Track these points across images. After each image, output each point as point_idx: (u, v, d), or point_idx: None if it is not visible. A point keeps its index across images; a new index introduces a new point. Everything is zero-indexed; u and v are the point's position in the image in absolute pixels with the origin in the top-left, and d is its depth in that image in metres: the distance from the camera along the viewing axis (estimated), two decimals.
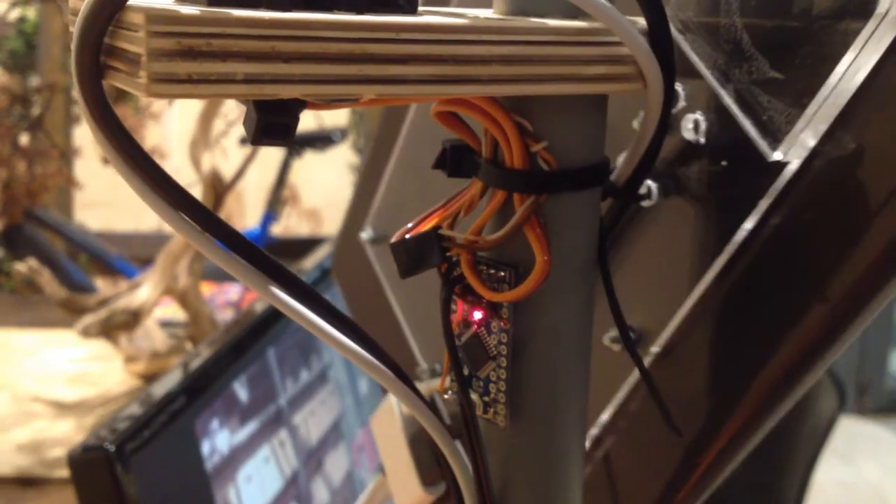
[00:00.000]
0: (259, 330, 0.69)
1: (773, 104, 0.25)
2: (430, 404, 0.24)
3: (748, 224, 0.26)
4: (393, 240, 0.24)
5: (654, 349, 0.28)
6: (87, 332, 1.08)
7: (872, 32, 0.23)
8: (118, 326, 1.07)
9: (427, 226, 0.24)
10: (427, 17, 0.20)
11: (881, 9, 0.22)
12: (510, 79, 0.20)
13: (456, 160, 0.24)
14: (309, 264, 0.87)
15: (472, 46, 0.20)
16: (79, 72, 0.19)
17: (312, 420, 0.76)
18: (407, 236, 0.24)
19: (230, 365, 0.65)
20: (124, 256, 1.51)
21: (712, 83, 0.26)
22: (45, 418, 1.09)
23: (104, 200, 1.37)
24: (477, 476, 0.24)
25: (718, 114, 0.26)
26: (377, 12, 0.20)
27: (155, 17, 0.17)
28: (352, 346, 0.23)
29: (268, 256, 0.22)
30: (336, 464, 0.79)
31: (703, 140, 0.27)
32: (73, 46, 0.19)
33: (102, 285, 1.55)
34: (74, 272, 1.43)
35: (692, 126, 0.27)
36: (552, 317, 0.24)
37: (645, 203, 0.28)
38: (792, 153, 0.25)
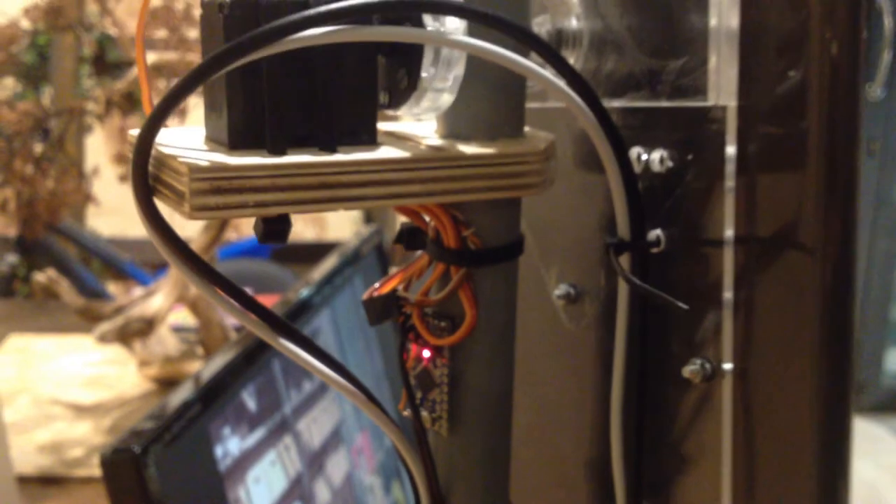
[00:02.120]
0: (265, 344, 0.77)
1: (686, 75, 0.34)
2: (394, 418, 0.34)
3: (730, 231, 0.33)
4: (364, 297, 0.34)
5: (727, 366, 0.34)
6: (104, 339, 1.18)
7: None
8: (134, 333, 1.17)
9: (389, 287, 0.34)
10: (381, 150, 0.30)
11: None
12: (441, 192, 0.30)
13: (410, 238, 0.34)
14: (317, 275, 0.95)
15: (412, 172, 0.30)
16: (136, 191, 0.29)
17: (315, 426, 0.84)
18: (374, 295, 0.34)
19: (239, 376, 0.74)
20: (136, 262, 1.62)
21: (652, 104, 0.35)
22: (64, 420, 1.19)
23: (115, 208, 1.47)
24: (427, 472, 0.34)
25: (666, 130, 0.35)
26: (347, 145, 0.30)
27: (194, 168, 0.27)
28: (333, 376, 0.32)
29: (273, 314, 0.31)
30: (337, 466, 0.87)
31: (671, 163, 0.35)
32: (130, 173, 0.29)
33: (115, 290, 1.66)
34: (88, 278, 1.54)
35: (659, 162, 0.35)
36: (480, 355, 0.34)
37: (654, 250, 0.35)
38: (722, 98, 0.33)
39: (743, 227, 0.33)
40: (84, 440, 1.15)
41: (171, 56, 1.14)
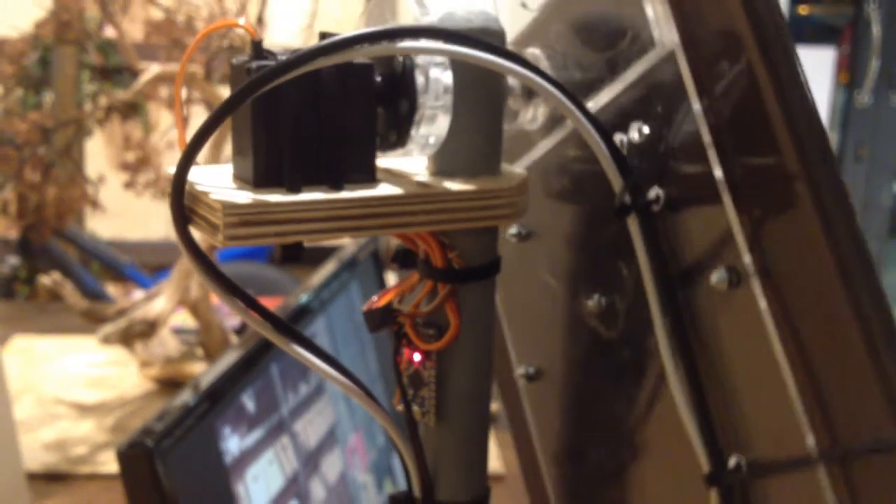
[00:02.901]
0: (264, 349, 0.84)
1: (634, 40, 0.40)
2: (392, 413, 0.41)
3: (718, 171, 0.38)
4: (364, 309, 0.41)
5: (755, 283, 0.37)
6: (107, 340, 1.25)
7: None
8: (136, 335, 1.24)
9: (385, 301, 0.41)
10: (380, 188, 0.37)
11: None
12: (429, 222, 0.37)
13: (404, 259, 0.41)
14: (316, 280, 1.02)
15: (404, 206, 0.37)
16: (175, 220, 0.35)
17: (311, 427, 0.90)
18: (373, 307, 0.41)
19: (239, 380, 0.80)
20: (135, 264, 1.69)
21: (616, 88, 0.42)
22: (67, 419, 1.26)
23: (114, 211, 1.54)
24: (417, 458, 0.41)
25: (634, 103, 0.41)
26: (351, 182, 0.37)
27: (228, 205, 0.34)
28: (338, 377, 0.39)
29: (287, 323, 0.38)
30: (331, 465, 0.93)
31: (647, 129, 0.41)
32: (170, 207, 0.36)
33: (114, 292, 1.72)
34: (88, 280, 1.60)
35: (638, 134, 0.41)
36: (462, 359, 0.40)
37: (655, 208, 0.40)
38: (665, 37, 0.39)
39: (727, 162, 0.38)
40: (87, 438, 1.21)
41: (173, 67, 1.21)
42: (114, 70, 1.59)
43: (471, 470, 0.42)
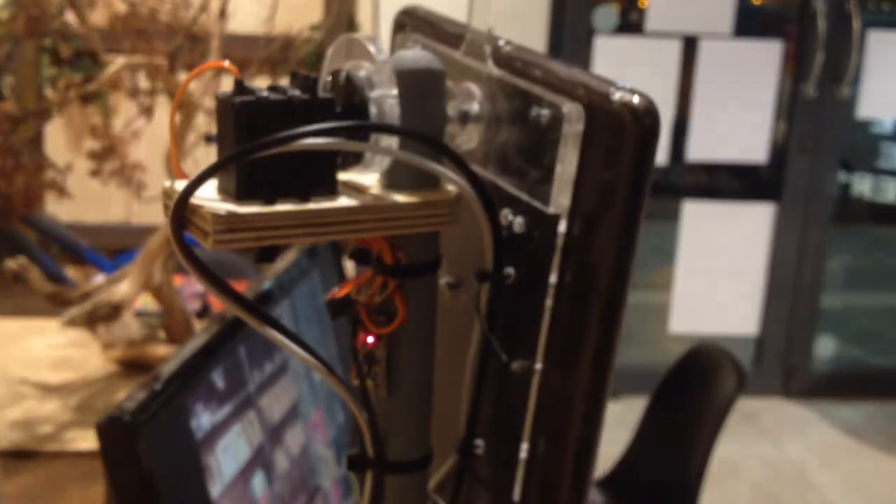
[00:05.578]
0: (231, 332, 0.93)
1: (538, 186, 0.50)
2: (350, 386, 0.50)
3: (553, 278, 0.49)
4: (326, 299, 0.50)
5: (538, 366, 0.51)
6: (72, 323, 1.33)
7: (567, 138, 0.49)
8: (101, 318, 1.32)
9: (344, 292, 0.50)
10: (340, 200, 0.46)
11: (566, 130, 0.49)
12: (381, 227, 0.47)
13: (360, 257, 0.50)
14: (279, 267, 1.10)
15: (360, 215, 0.46)
16: (173, 229, 0.45)
17: (275, 403, 0.99)
18: (335, 297, 0.50)
19: (209, 360, 0.89)
20: (95, 247, 1.76)
21: (513, 193, 0.52)
22: (33, 399, 1.34)
23: (73, 194, 1.61)
24: (371, 423, 0.51)
25: (526, 209, 0.52)
26: (316, 195, 0.46)
27: (217, 217, 0.43)
28: (304, 355, 0.49)
29: (265, 313, 0.47)
30: (294, 438, 1.02)
31: (525, 228, 0.51)
32: (169, 219, 0.45)
33: (73, 275, 1.79)
34: (48, 263, 1.67)
35: (519, 225, 0.51)
36: (408, 341, 0.50)
37: (508, 281, 0.51)
38: (558, 208, 0.49)
39: (560, 277, 0.50)
40: (53, 417, 1.29)
41: (138, 58, 1.29)
42: (74, 56, 1.66)
43: (416, 434, 0.52)
